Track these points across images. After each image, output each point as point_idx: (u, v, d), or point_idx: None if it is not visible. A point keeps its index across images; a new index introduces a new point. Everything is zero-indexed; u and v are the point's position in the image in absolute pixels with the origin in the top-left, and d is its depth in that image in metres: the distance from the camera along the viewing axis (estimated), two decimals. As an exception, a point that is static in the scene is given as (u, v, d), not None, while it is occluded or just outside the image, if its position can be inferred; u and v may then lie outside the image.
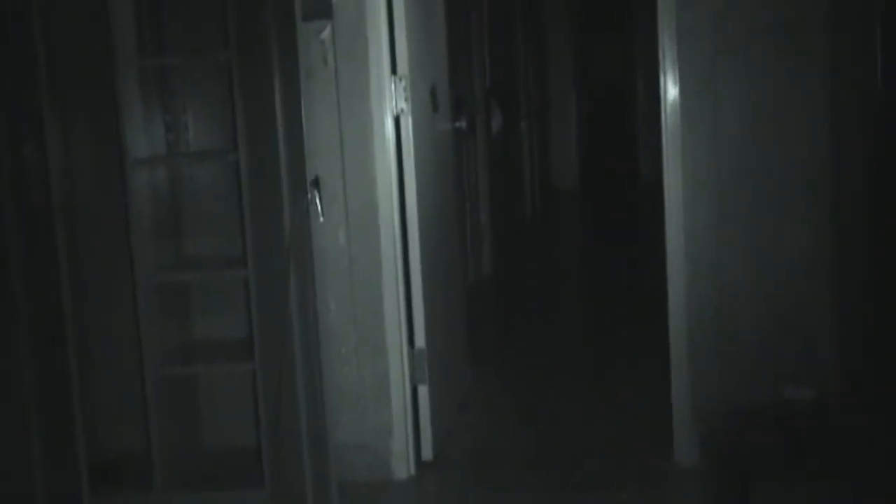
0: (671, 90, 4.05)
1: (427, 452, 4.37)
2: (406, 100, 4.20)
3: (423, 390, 4.36)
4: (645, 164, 12.05)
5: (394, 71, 4.17)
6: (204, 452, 4.08)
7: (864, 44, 3.69)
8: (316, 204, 3.57)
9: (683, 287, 4.11)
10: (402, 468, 4.26)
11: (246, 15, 3.52)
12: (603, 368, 5.65)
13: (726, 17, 4.01)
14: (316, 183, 3.59)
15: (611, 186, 12.94)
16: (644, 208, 10.05)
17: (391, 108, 4.17)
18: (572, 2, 12.71)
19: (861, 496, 3.54)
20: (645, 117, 12.19)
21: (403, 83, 4.19)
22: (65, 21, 3.69)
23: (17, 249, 3.65)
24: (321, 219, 3.61)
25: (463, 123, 5.52)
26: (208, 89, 3.98)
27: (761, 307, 4.11)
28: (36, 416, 3.71)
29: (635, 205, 11.35)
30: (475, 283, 7.41)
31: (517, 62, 9.93)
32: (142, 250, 3.65)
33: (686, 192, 4.08)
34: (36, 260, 3.65)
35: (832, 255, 4.05)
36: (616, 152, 13.33)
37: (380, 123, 4.15)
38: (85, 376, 3.79)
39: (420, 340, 4.34)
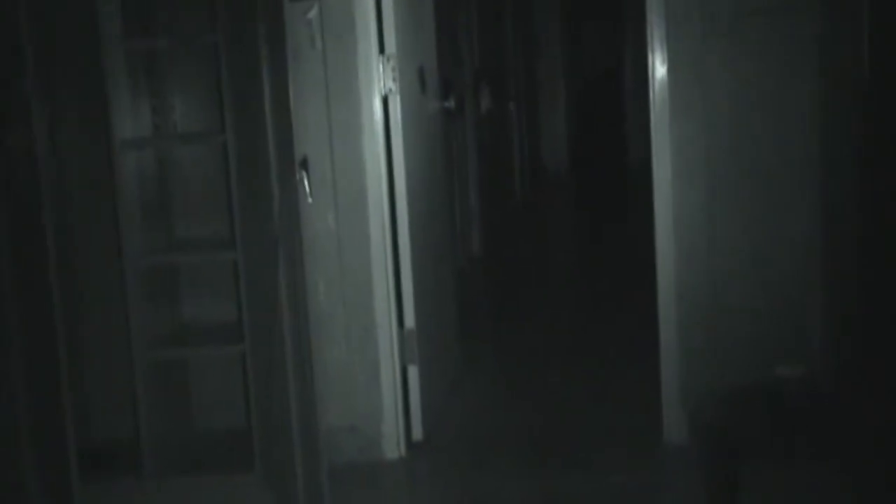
0: (659, 69, 4.04)
1: (417, 433, 4.37)
2: (394, 80, 4.19)
3: (413, 371, 4.36)
4: (635, 146, 12.04)
5: (381, 50, 4.15)
6: (194, 436, 4.08)
7: (854, 26, 3.68)
8: (304, 185, 3.56)
9: (673, 268, 4.11)
10: (393, 449, 4.26)
11: (233, -4, 3.50)
12: (593, 349, 5.65)
13: (717, -2, 4.00)
14: (304, 164, 3.57)
15: (601, 168, 12.92)
16: (634, 189, 10.06)
17: (379, 89, 4.15)
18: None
19: (851, 475, 3.55)
20: (634, 99, 12.17)
21: (391, 63, 4.17)
22: (51, 3, 3.66)
23: (4, 233, 3.63)
24: (309, 200, 3.59)
25: (452, 104, 5.50)
26: (196, 71, 3.96)
27: (752, 288, 4.11)
28: (24, 401, 3.70)
29: (625, 186, 11.35)
30: (464, 265, 7.40)
31: (506, 43, 9.90)
32: (130, 233, 3.64)
33: (675, 173, 4.07)
34: (23, 244, 3.63)
35: (823, 237, 4.05)
36: (606, 134, 13.31)
37: (368, 104, 4.13)
38: (74, 361, 3.78)
39: (410, 321, 4.33)
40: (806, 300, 4.10)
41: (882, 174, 3.54)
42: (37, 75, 3.54)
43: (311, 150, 3.93)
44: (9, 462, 3.79)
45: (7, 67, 3.55)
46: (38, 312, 3.63)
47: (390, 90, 4.19)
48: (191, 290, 4.05)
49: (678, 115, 4.05)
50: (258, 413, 3.67)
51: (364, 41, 4.10)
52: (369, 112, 4.14)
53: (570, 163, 12.96)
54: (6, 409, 3.73)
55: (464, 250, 7.50)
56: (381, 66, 4.15)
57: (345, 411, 4.22)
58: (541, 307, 6.84)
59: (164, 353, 3.81)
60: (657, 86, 4.05)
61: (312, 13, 4.04)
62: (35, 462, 3.71)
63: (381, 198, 4.18)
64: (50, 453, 3.70)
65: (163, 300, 3.90)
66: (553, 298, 7.19)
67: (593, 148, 13.34)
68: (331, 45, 4.09)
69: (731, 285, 4.11)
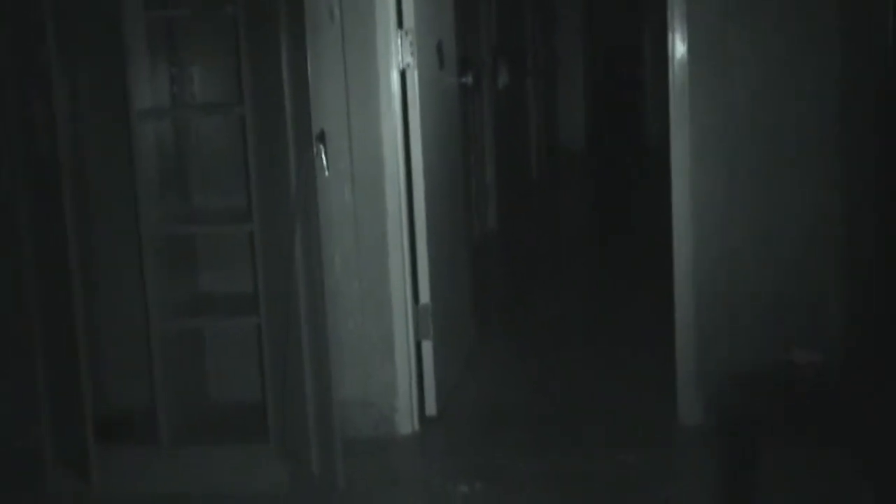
0: (679, 47, 4.02)
1: (431, 409, 4.38)
2: (412, 54, 4.17)
3: (428, 346, 4.37)
4: (653, 124, 12.00)
5: (400, 25, 4.14)
6: (209, 407, 4.10)
7: (878, 6, 3.65)
8: (321, 158, 3.56)
9: (690, 248, 4.10)
10: (406, 424, 4.27)
11: (252, -33, 3.50)
12: (608, 328, 5.65)
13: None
14: (321, 137, 3.57)
15: (618, 146, 12.88)
16: (651, 168, 10.03)
17: (397, 63, 4.14)
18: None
19: (864, 458, 3.55)
20: (653, 77, 12.12)
21: (409, 37, 4.16)
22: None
23: (25, 202, 3.65)
24: (326, 173, 3.59)
25: (469, 79, 5.49)
26: (215, 42, 3.96)
27: (769, 270, 4.10)
28: (42, 370, 3.73)
29: (642, 164, 11.31)
30: (480, 241, 7.39)
31: (525, 19, 9.86)
32: (147, 203, 3.65)
33: (693, 152, 4.05)
34: (43, 213, 3.65)
35: (841, 219, 4.04)
36: (624, 112, 13.25)
37: (385, 78, 4.12)
38: (91, 330, 3.80)
39: (425, 296, 4.34)
40: (823, 285, 4.08)
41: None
42: (58, 45, 3.55)
43: (328, 123, 3.93)
44: (26, 429, 3.82)
45: (28, 39, 3.55)
46: (56, 282, 3.65)
47: (408, 65, 4.18)
48: (207, 261, 4.06)
49: (697, 93, 4.03)
50: (273, 385, 3.68)
51: (382, 15, 4.09)
52: (387, 86, 4.13)
53: (587, 140, 12.92)
54: (25, 376, 3.76)
55: (479, 227, 7.49)
56: (399, 41, 4.14)
57: (359, 385, 4.23)
58: (556, 285, 6.83)
59: (180, 323, 3.82)
60: (677, 64, 4.03)
61: (332, -14, 4.03)
62: (52, 429, 3.74)
63: (398, 172, 4.18)
64: (67, 421, 3.73)
65: (179, 270, 3.91)
66: (568, 276, 7.18)
67: (610, 126, 13.30)
68: (349, 19, 4.08)
69: (748, 267, 4.10)
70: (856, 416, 3.67)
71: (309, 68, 3.50)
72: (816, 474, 3.60)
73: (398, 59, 4.14)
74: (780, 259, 4.09)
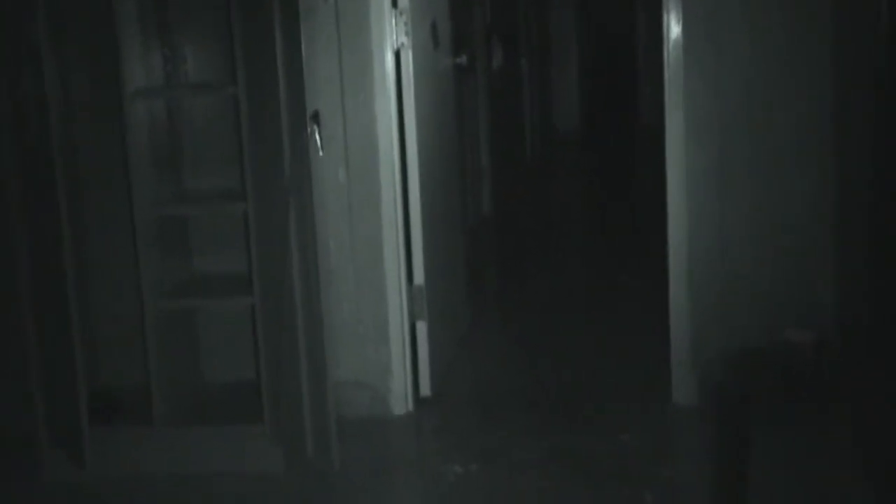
0: (674, 29, 4.00)
1: (425, 389, 4.38)
2: (406, 34, 4.16)
3: (422, 327, 4.37)
4: (647, 106, 11.98)
5: (394, 4, 4.12)
6: (203, 387, 4.10)
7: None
8: (315, 138, 3.55)
9: (684, 230, 4.09)
10: (401, 405, 4.28)
11: (245, -54, 3.48)
12: (602, 309, 5.65)
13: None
14: (315, 117, 3.56)
15: (612, 127, 12.86)
16: (645, 150, 10.02)
17: (391, 43, 4.12)
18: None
19: (858, 438, 3.56)
20: (648, 58, 12.08)
21: (404, 17, 4.14)
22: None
23: (16, 183, 3.64)
24: (320, 153, 3.58)
25: (463, 60, 5.47)
26: (208, 22, 3.94)
27: (763, 250, 4.10)
28: (36, 350, 3.72)
29: (637, 146, 11.30)
30: (475, 224, 7.39)
31: (518, -1, 9.83)
32: (141, 183, 3.64)
33: (688, 133, 4.04)
34: (35, 194, 3.64)
35: (834, 200, 4.03)
36: (618, 93, 13.22)
37: (380, 58, 4.10)
38: (85, 312, 3.79)
39: (419, 278, 4.33)
40: (817, 264, 4.08)
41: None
42: (49, 23, 3.53)
43: (322, 104, 3.92)
44: (21, 408, 3.82)
45: (18, 17, 3.53)
46: (49, 264, 3.64)
47: (403, 44, 4.16)
48: (201, 242, 4.05)
49: (692, 75, 4.02)
50: (267, 366, 3.68)
51: (377, -7, 4.07)
52: (381, 66, 4.11)
53: (581, 121, 12.90)
54: (19, 356, 3.75)
55: (474, 208, 7.48)
56: (393, 20, 4.12)
57: (353, 366, 4.23)
58: (551, 266, 6.83)
59: (173, 303, 3.82)
60: (671, 45, 4.01)
61: (325, -35, 4.01)
62: (46, 409, 3.74)
63: (392, 153, 4.17)
64: (60, 401, 3.72)
65: (173, 251, 3.90)
66: (563, 257, 7.18)
67: (605, 107, 13.27)
68: (344, -2, 4.06)
69: (743, 247, 4.10)
70: (850, 398, 3.68)
71: (303, 48, 3.48)
72: (811, 454, 3.61)
73: (392, 38, 4.12)
74: (774, 238, 4.09)
